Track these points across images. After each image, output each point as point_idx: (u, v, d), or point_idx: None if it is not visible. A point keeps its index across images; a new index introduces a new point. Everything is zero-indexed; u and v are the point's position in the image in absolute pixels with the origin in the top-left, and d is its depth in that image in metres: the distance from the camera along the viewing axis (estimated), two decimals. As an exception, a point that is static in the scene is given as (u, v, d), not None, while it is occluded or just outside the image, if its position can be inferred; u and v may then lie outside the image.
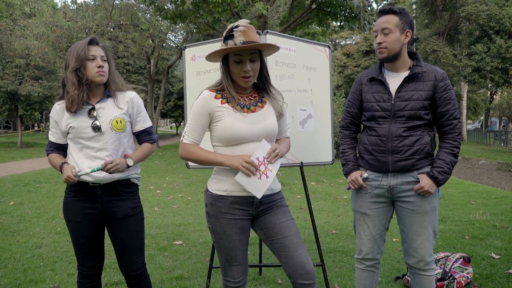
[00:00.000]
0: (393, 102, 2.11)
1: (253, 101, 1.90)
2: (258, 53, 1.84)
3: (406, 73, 2.13)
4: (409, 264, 2.21)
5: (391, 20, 2.07)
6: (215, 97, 1.86)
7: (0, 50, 16.93)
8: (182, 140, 1.90)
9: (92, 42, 2.03)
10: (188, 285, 3.14)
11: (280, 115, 1.94)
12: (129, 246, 2.12)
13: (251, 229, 1.96)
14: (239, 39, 1.74)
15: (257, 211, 1.88)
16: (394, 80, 2.14)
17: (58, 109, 2.06)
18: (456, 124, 2.11)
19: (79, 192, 2.05)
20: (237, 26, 1.76)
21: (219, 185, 1.87)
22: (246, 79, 1.81)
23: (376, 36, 2.12)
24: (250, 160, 1.74)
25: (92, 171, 1.96)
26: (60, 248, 4.03)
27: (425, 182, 2.07)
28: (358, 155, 2.34)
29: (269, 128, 1.86)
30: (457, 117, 2.11)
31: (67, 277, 3.29)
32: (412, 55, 2.18)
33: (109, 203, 2.07)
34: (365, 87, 2.23)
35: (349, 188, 2.31)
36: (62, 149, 2.14)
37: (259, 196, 1.77)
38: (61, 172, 2.01)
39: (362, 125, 2.34)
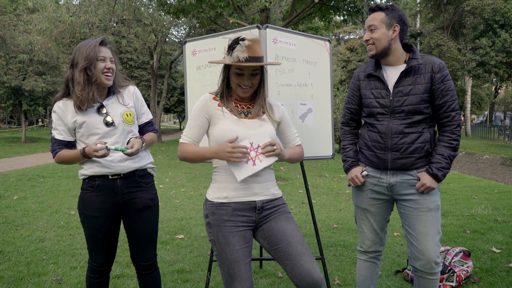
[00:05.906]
0: (391, 98, 2.07)
1: (251, 109, 1.89)
2: (260, 67, 1.81)
3: (403, 67, 2.09)
4: (415, 267, 2.13)
5: (377, 17, 2.07)
6: (214, 99, 1.87)
7: (4, 46, 17.00)
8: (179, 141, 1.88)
9: (102, 43, 2.04)
10: (189, 278, 3.17)
11: (278, 124, 1.93)
12: (144, 237, 2.15)
13: (255, 240, 1.91)
14: (243, 54, 1.70)
15: (260, 217, 1.84)
16: (391, 75, 2.11)
17: (61, 105, 2.03)
18: (454, 116, 2.04)
19: (99, 186, 2.05)
20: (243, 39, 1.71)
21: (218, 193, 1.84)
22: (244, 89, 1.81)
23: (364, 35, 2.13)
24: (234, 145, 1.69)
25: (115, 149, 1.94)
26: (63, 242, 4.07)
27: (426, 179, 2.03)
28: (358, 149, 2.33)
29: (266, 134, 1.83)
30: (455, 108, 2.04)
31: (69, 270, 3.33)
32: (408, 47, 2.14)
33: (130, 195, 2.09)
34: (363, 83, 2.21)
35: (350, 185, 2.31)
36: (70, 146, 2.08)
37: (238, 179, 1.75)
38: (85, 157, 1.97)
39: (362, 121, 2.32)
